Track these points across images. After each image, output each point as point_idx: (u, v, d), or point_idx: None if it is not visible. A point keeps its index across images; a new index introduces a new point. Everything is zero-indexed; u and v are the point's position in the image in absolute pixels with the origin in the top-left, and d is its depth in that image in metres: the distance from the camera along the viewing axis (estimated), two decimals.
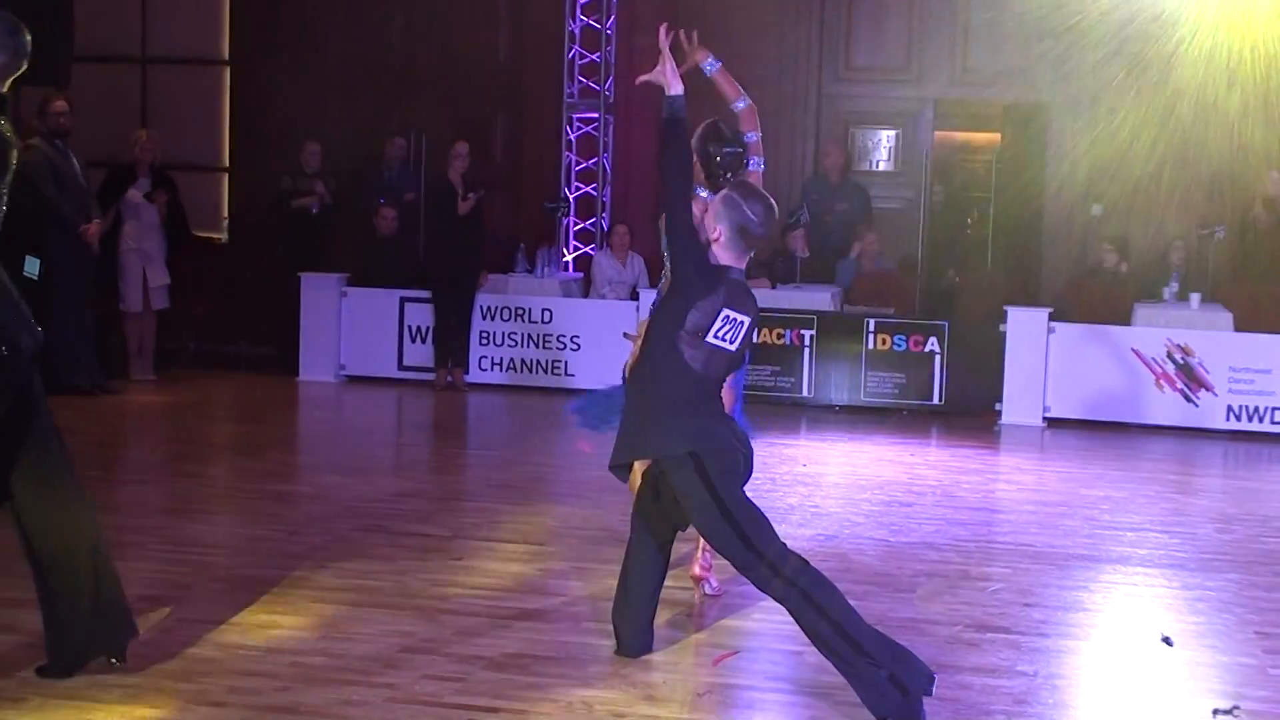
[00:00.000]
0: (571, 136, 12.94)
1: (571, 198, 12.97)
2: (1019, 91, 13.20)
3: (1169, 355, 10.42)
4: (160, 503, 7.30)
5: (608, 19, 12.80)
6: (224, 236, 13.62)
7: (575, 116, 12.93)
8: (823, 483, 8.30)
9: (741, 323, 4.55)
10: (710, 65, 5.39)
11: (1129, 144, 12.66)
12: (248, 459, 8.58)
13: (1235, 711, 4.47)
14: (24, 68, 4.48)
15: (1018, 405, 10.57)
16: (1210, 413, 10.38)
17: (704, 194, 5.17)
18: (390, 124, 12.76)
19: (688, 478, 4.47)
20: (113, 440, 9.29)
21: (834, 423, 10.52)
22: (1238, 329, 10.64)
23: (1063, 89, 13.03)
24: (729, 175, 5.27)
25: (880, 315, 11.14)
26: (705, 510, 4.46)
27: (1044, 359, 10.58)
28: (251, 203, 13.19)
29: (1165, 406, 10.42)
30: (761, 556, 4.37)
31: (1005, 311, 10.75)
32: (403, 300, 11.70)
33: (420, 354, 11.67)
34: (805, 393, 11.03)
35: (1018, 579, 6.10)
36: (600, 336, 11.16)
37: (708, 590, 5.63)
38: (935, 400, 10.86)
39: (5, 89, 4.53)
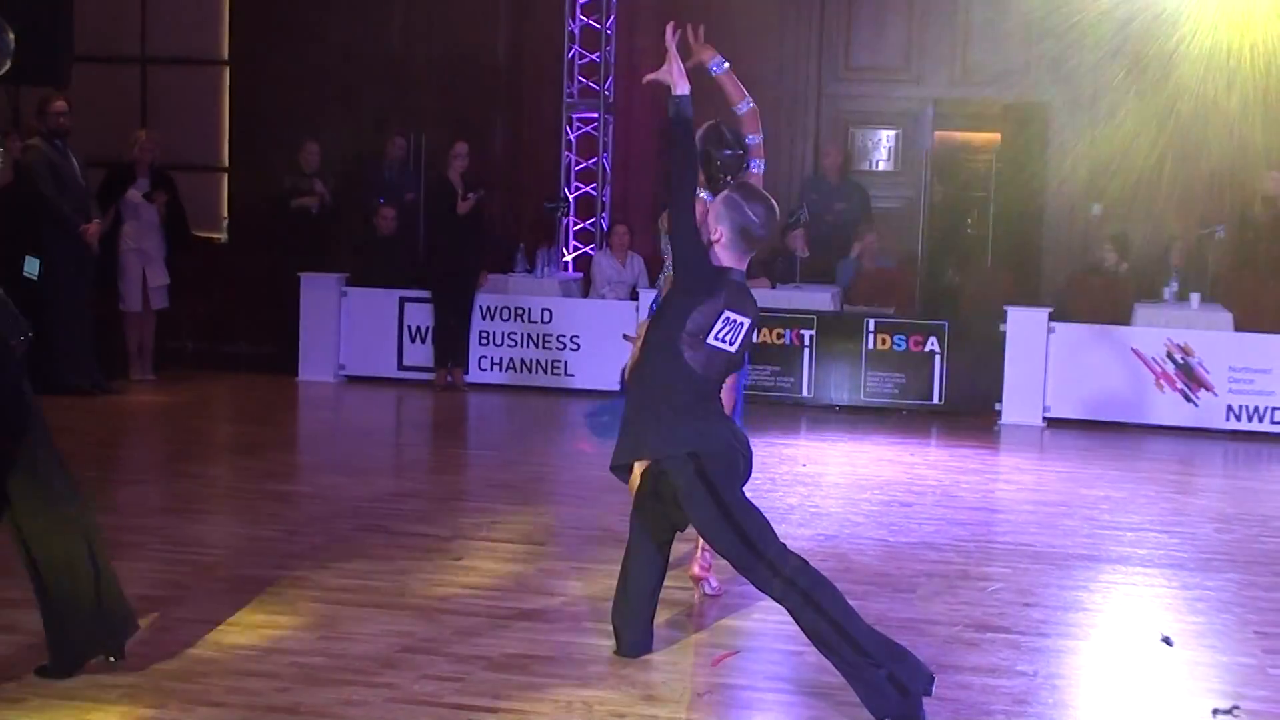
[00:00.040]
0: (571, 136, 12.94)
1: (571, 198, 12.97)
2: (1019, 91, 13.20)
3: (1169, 355, 10.42)
4: (160, 503, 7.30)
5: (607, 19, 12.80)
6: (223, 236, 13.62)
7: (575, 116, 12.92)
8: (822, 483, 8.30)
9: (741, 324, 4.56)
10: (716, 65, 5.38)
11: (1129, 143, 12.66)
12: (247, 459, 8.58)
13: (1235, 711, 4.47)
14: (7, 66, 4.45)
15: (1017, 405, 10.57)
16: (1210, 412, 10.38)
17: (704, 195, 5.16)
18: (390, 124, 12.76)
19: (688, 479, 4.47)
20: (112, 440, 9.29)
21: (834, 423, 10.52)
22: (1238, 329, 10.64)
23: (1063, 88, 13.03)
24: (729, 178, 5.27)
25: (880, 315, 11.14)
26: (705, 511, 4.46)
27: (1044, 359, 10.58)
28: (251, 203, 13.18)
29: (1165, 406, 10.43)
30: (761, 557, 4.37)
31: (1005, 311, 10.75)
32: (402, 300, 11.70)
33: (420, 354, 11.68)
34: (805, 393, 11.03)
35: (1017, 579, 6.10)
36: (600, 336, 11.16)
37: (707, 590, 5.63)
38: (935, 400, 10.86)
39: None
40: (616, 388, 6.32)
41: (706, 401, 4.58)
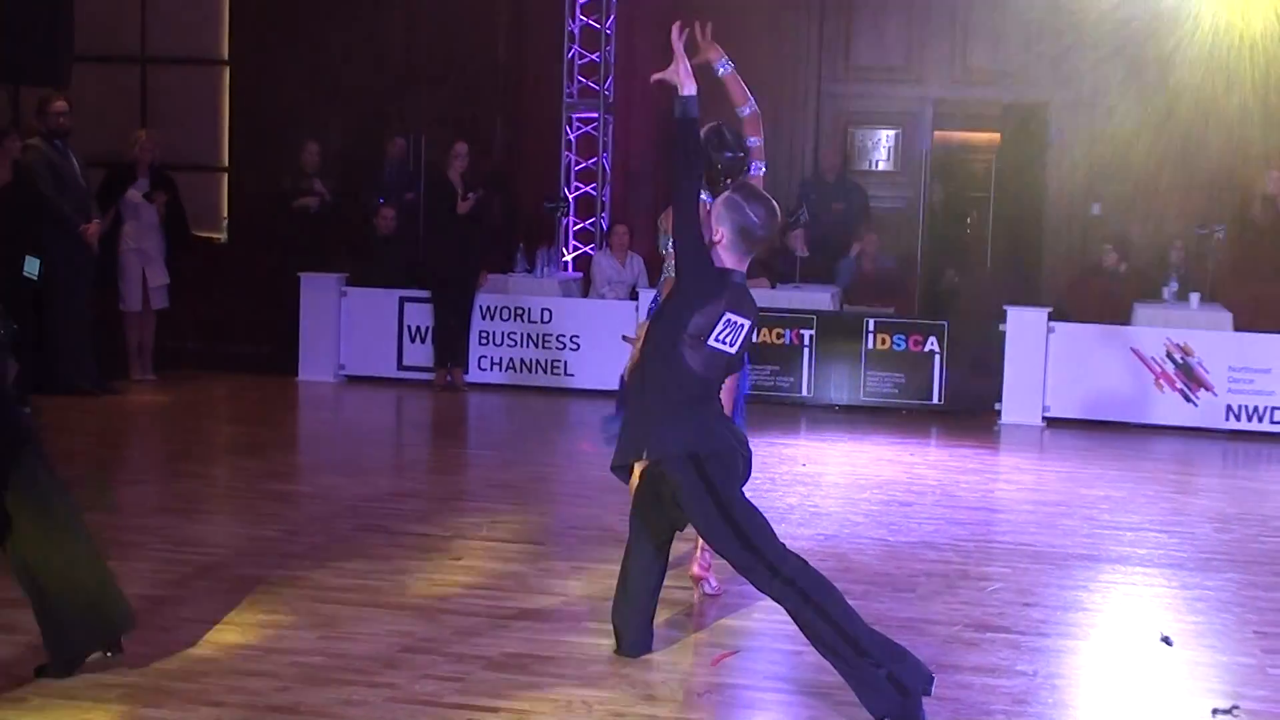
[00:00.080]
0: (571, 136, 12.94)
1: (571, 197, 12.97)
2: (1019, 91, 13.21)
3: (1168, 355, 10.42)
4: (160, 503, 7.30)
5: (607, 19, 12.80)
6: (223, 236, 13.62)
7: (575, 116, 12.92)
8: (822, 482, 8.30)
9: (742, 326, 4.56)
10: (722, 66, 5.37)
11: (1128, 143, 12.68)
12: (248, 459, 8.58)
13: (1234, 711, 4.48)
14: None
15: (1017, 405, 10.57)
16: (1210, 412, 10.38)
17: (704, 198, 5.16)
18: (390, 124, 12.76)
19: (688, 479, 4.47)
20: (113, 440, 9.29)
21: (834, 422, 10.52)
22: (1237, 329, 10.65)
23: (1062, 88, 13.05)
24: (729, 180, 5.27)
25: (880, 315, 11.15)
26: (705, 512, 4.46)
27: (1044, 359, 10.58)
28: (251, 203, 13.19)
29: (1165, 406, 10.43)
30: (761, 557, 4.37)
31: (1005, 311, 10.75)
32: (402, 300, 11.70)
33: (420, 354, 11.68)
34: (805, 392, 11.04)
35: (1017, 578, 6.10)
36: (600, 336, 11.16)
37: (707, 590, 5.64)
38: (935, 400, 10.86)
39: None
40: (616, 388, 6.31)
41: (706, 402, 4.59)
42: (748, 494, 4.56)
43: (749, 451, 4.64)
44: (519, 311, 11.55)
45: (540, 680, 4.58)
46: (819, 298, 11.38)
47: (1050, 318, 10.68)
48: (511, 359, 11.57)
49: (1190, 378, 10.39)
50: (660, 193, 12.85)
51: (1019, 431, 10.34)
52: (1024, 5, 12.57)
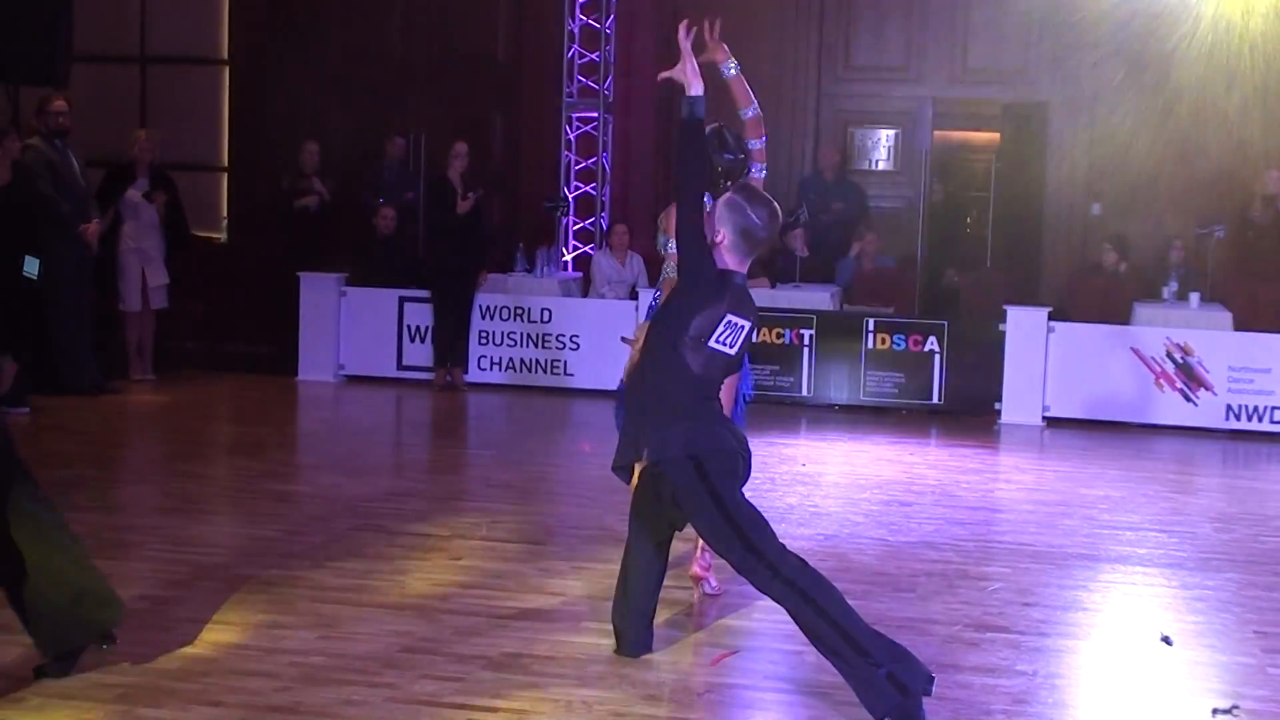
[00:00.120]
0: (570, 136, 12.94)
1: (570, 197, 12.97)
2: (1018, 90, 13.22)
3: (1168, 354, 10.42)
4: (160, 503, 7.30)
5: (607, 18, 12.80)
6: (223, 236, 13.62)
7: (574, 116, 12.92)
8: (822, 482, 8.30)
9: (742, 327, 4.56)
10: (728, 68, 5.36)
11: (1128, 143, 12.68)
12: (247, 459, 8.57)
13: (1234, 711, 4.48)
14: None
15: (1017, 405, 10.57)
16: (1209, 412, 10.38)
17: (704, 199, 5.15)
18: (390, 124, 12.76)
19: (687, 480, 4.47)
20: (112, 440, 9.29)
21: (833, 422, 10.52)
22: (1237, 328, 10.65)
23: (1062, 88, 13.05)
24: (728, 182, 5.26)
25: (880, 315, 11.14)
26: (705, 513, 4.46)
27: (1043, 358, 10.58)
28: (251, 202, 13.19)
29: (1165, 406, 10.43)
30: (761, 558, 4.37)
31: (1005, 311, 10.74)
32: (402, 300, 11.70)
33: (419, 354, 11.67)
34: (805, 392, 11.03)
35: (1017, 578, 6.10)
36: (600, 336, 11.15)
37: (707, 590, 5.64)
38: (935, 400, 10.86)
39: None
40: (616, 388, 6.30)
41: (705, 403, 4.59)
42: (747, 494, 4.56)
43: (749, 452, 4.63)
44: (519, 311, 11.55)
45: (540, 680, 4.58)
46: (819, 297, 11.38)
47: (1050, 317, 10.68)
48: (511, 359, 11.56)
49: (1190, 377, 10.39)
50: (660, 192, 12.87)
51: (1019, 431, 10.34)
52: (1024, 5, 12.57)
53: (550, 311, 11.52)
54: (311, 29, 13.19)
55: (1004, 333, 10.64)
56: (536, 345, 11.50)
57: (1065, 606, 5.73)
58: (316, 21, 13.19)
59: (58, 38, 10.47)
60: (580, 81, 12.86)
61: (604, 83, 12.81)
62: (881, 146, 13.57)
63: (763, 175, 5.39)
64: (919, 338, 10.85)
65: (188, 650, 4.75)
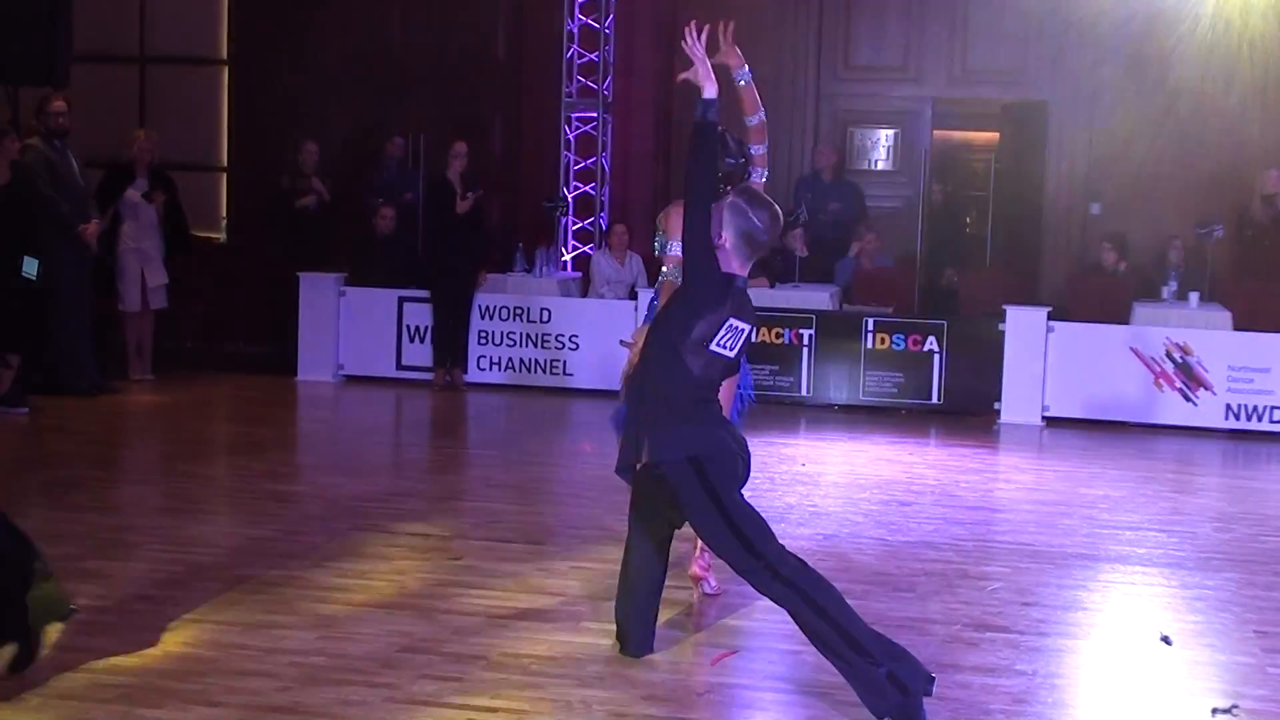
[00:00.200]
0: (570, 136, 12.94)
1: (570, 197, 12.97)
2: (1018, 90, 13.22)
3: (1168, 354, 10.42)
4: (160, 503, 7.30)
5: (606, 18, 12.79)
6: (222, 236, 13.62)
7: (574, 116, 12.92)
8: (822, 482, 8.30)
9: (742, 331, 4.57)
10: (740, 75, 5.34)
11: (1128, 142, 12.68)
12: (247, 459, 8.57)
13: (1234, 710, 4.48)
14: None
15: (1016, 404, 10.57)
16: (1209, 412, 10.38)
17: None
18: (389, 124, 12.76)
19: (687, 482, 4.47)
20: (112, 440, 9.29)
21: (833, 422, 10.52)
22: (1236, 328, 10.64)
23: (1061, 87, 13.05)
24: (728, 186, 5.24)
25: (879, 314, 11.14)
26: (705, 514, 4.46)
27: (1043, 358, 10.58)
28: (250, 202, 13.19)
29: (1164, 406, 10.43)
30: (760, 559, 4.37)
31: (1004, 310, 10.74)
32: (401, 300, 11.70)
33: (419, 354, 11.67)
34: (804, 392, 11.03)
35: (1016, 578, 6.10)
36: (599, 336, 11.15)
37: (707, 590, 5.64)
38: (934, 399, 10.86)
39: None
40: (616, 389, 6.30)
41: (705, 404, 4.59)
42: (746, 494, 4.56)
43: (748, 453, 4.63)
44: (518, 311, 11.55)
45: (540, 680, 4.58)
46: (818, 297, 11.38)
47: (1050, 317, 10.68)
48: (511, 359, 11.56)
49: (1190, 377, 10.39)
50: (659, 192, 12.87)
51: (1018, 431, 10.34)
52: (1024, 5, 12.57)
53: (549, 311, 11.52)
54: (311, 29, 13.18)
55: (1003, 332, 10.64)
56: (536, 345, 11.50)
57: (1065, 606, 5.73)
58: (316, 21, 13.19)
59: (57, 38, 10.46)
60: (579, 82, 12.86)
61: (603, 83, 12.81)
62: (881, 146, 13.57)
63: (763, 180, 5.38)
64: (918, 337, 10.85)
65: (187, 650, 4.75)
